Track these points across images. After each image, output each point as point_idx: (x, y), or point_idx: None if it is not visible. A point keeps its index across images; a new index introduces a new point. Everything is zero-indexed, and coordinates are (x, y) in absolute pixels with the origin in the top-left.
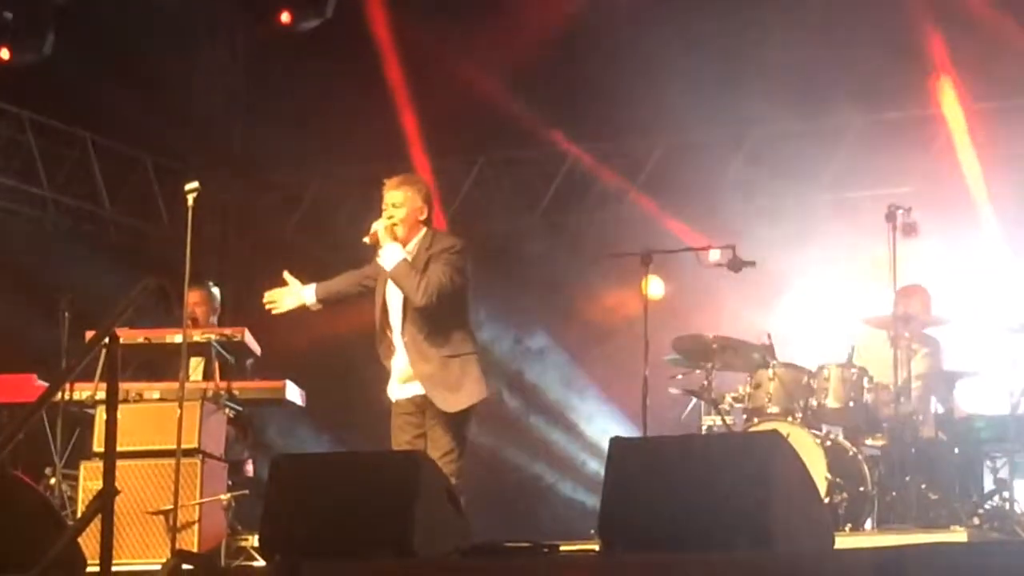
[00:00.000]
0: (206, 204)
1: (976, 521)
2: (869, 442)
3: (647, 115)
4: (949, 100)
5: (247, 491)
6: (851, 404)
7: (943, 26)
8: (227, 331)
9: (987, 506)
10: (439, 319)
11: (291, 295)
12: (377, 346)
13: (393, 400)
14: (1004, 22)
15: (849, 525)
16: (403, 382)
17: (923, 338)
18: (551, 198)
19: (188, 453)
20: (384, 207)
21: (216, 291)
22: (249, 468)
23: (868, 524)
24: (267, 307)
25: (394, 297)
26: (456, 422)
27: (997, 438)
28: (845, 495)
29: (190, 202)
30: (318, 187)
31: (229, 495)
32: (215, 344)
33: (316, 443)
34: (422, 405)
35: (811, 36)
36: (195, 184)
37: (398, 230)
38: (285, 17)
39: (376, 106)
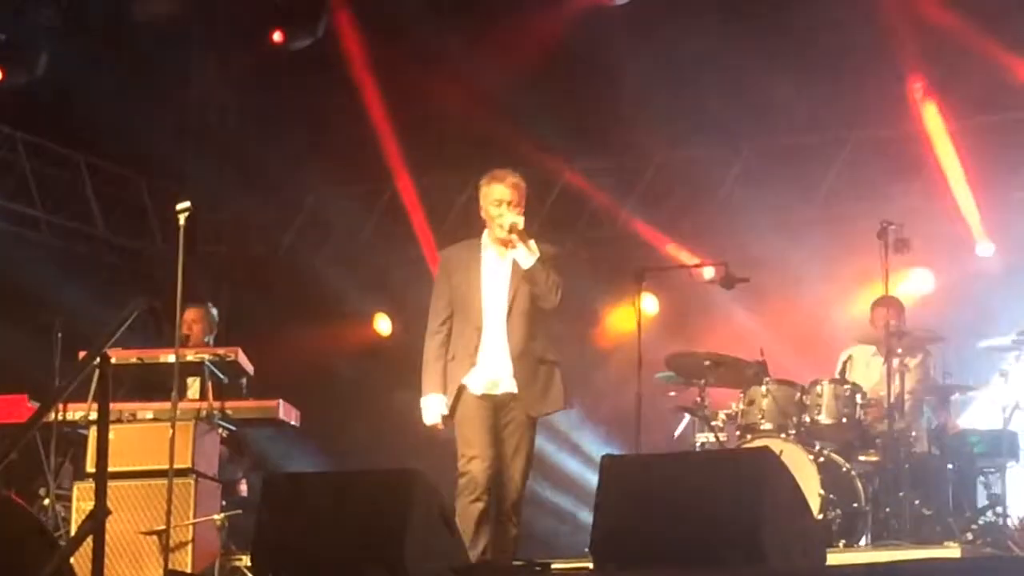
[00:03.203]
0: (200, 223)
1: (969, 536)
2: (862, 458)
3: (641, 133)
4: (931, 117)
5: (240, 511)
6: (844, 420)
7: (924, 47)
8: (220, 351)
9: (980, 521)
10: (536, 322)
11: (440, 417)
12: (432, 338)
13: (476, 394)
14: (982, 39)
15: (843, 541)
16: (493, 380)
17: (914, 353)
18: (545, 215)
19: (181, 473)
20: (499, 201)
21: (214, 311)
22: (243, 487)
23: (862, 540)
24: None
25: (497, 292)
26: (533, 433)
27: (990, 453)
28: (839, 511)
29: (182, 222)
30: (313, 205)
31: (222, 515)
32: (208, 364)
33: (311, 462)
34: (502, 406)
35: (803, 54)
36: (187, 204)
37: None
38: (277, 36)
39: (371, 123)
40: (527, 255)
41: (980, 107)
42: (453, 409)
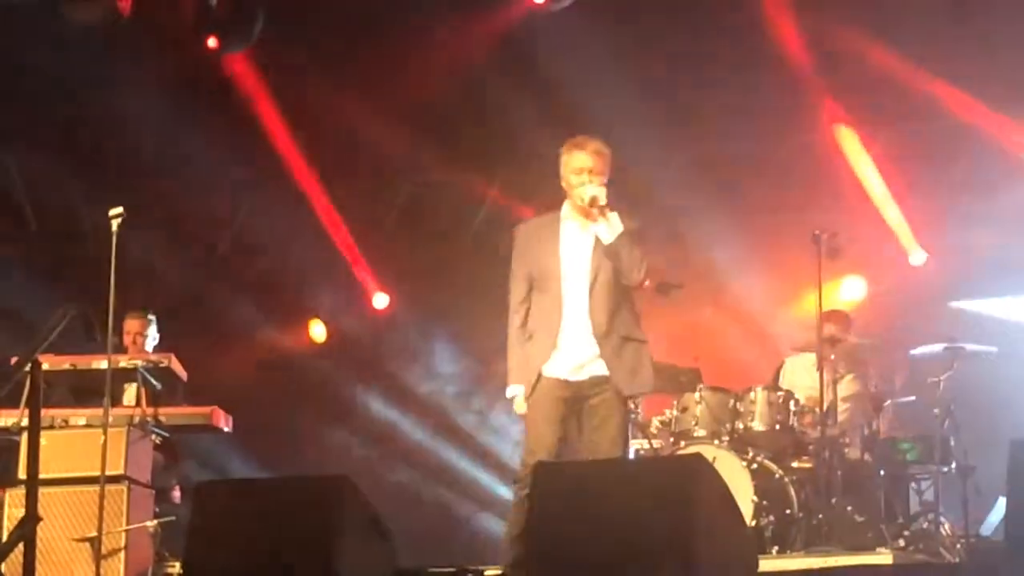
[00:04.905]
0: (133, 229)
1: (902, 543)
2: (796, 464)
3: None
4: (847, 138)
5: (174, 517)
6: (777, 427)
7: (837, 64)
8: (153, 357)
9: (913, 528)
10: (620, 298)
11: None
12: (513, 318)
13: (556, 378)
14: (890, 53)
15: (776, 548)
16: (578, 364)
17: (851, 362)
18: (481, 221)
19: (114, 479)
20: (580, 170)
21: (153, 318)
22: (176, 494)
23: (795, 547)
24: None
25: (578, 267)
26: (626, 412)
27: (922, 460)
28: (772, 518)
29: (115, 227)
30: (246, 211)
31: (155, 522)
32: (142, 370)
33: (245, 469)
34: (588, 389)
35: (733, 63)
36: (119, 209)
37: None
38: (212, 43)
39: (302, 130)
40: (609, 230)
41: (899, 118)
42: (528, 394)
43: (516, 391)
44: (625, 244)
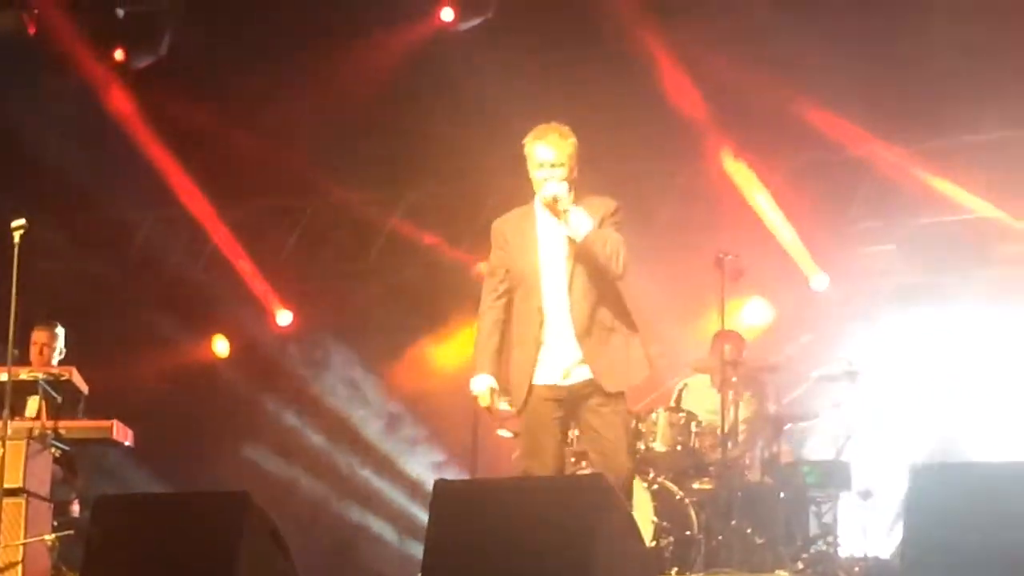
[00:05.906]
0: (36, 242)
1: (800, 565)
2: (696, 486)
3: (481, 162)
4: (740, 172)
5: (72, 531)
6: (679, 448)
7: (724, 100)
8: (54, 370)
9: (812, 550)
10: (601, 290)
11: (498, 401)
12: (484, 316)
13: (548, 384)
14: (776, 87)
15: (676, 569)
16: (565, 369)
17: (749, 383)
18: (383, 245)
19: (12, 492)
20: (540, 164)
21: (61, 331)
22: (75, 508)
23: (695, 568)
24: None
25: (555, 265)
26: (622, 408)
27: (822, 483)
28: (672, 539)
29: (16, 239)
30: (151, 225)
31: (53, 535)
32: (42, 383)
33: (148, 485)
34: (577, 394)
35: (633, 89)
36: (22, 221)
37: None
38: (119, 55)
39: (208, 147)
40: (575, 229)
41: (796, 149)
42: (521, 407)
43: (479, 379)
44: (596, 240)
